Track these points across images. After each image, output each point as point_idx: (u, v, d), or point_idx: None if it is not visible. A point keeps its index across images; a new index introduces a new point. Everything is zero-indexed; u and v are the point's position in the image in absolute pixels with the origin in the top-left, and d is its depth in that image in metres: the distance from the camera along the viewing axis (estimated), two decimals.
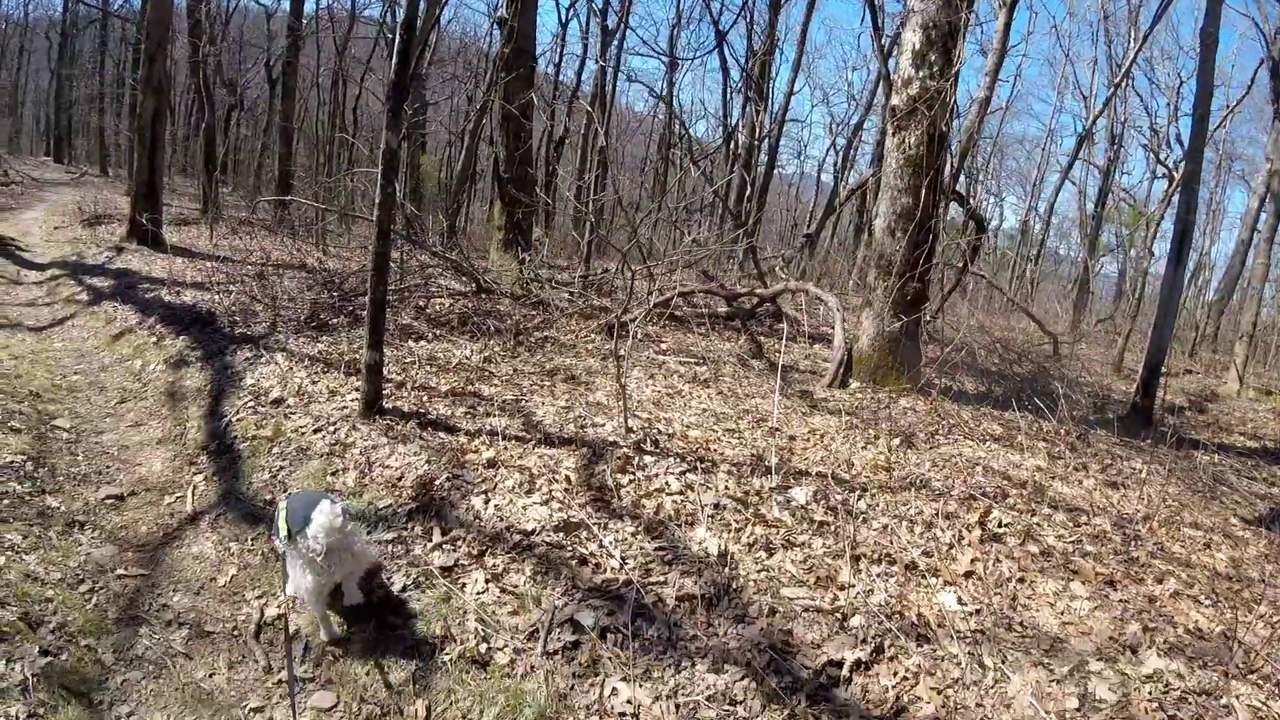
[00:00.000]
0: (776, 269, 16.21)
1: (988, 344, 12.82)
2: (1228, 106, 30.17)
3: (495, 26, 17.15)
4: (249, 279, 11.98)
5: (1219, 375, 20.58)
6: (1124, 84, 30.73)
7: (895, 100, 9.68)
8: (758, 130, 27.53)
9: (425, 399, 7.40)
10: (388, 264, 7.03)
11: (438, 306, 11.23)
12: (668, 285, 12.23)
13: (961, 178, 21.56)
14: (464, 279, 12.32)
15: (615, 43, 22.65)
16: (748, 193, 25.23)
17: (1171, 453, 9.17)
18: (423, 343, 9.48)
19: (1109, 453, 8.55)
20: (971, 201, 15.17)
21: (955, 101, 9.90)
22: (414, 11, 6.66)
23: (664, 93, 31.52)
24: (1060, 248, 46.74)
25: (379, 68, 31.15)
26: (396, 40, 6.58)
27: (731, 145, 29.45)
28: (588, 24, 31.21)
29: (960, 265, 12.71)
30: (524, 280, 12.91)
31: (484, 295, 11.80)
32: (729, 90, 31.03)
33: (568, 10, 39.91)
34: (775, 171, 33.39)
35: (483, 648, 4.40)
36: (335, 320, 9.98)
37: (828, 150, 48.63)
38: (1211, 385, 18.20)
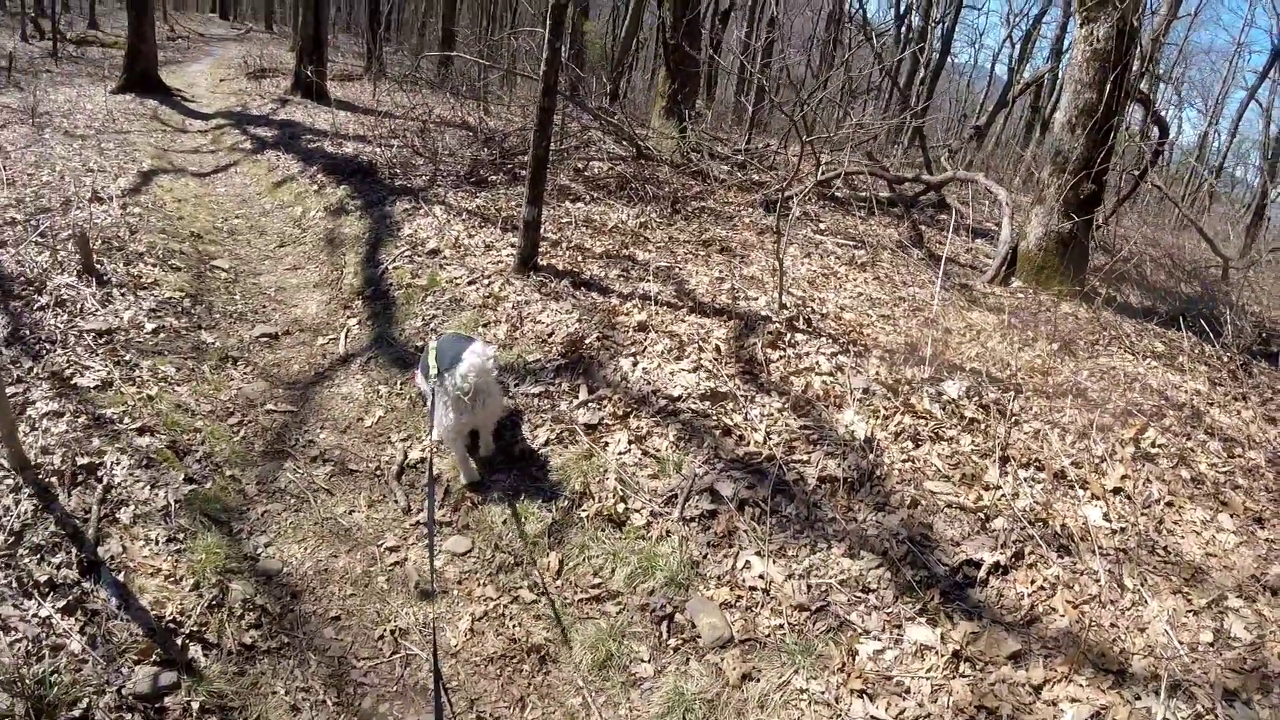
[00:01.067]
0: (942, 159, 15.63)
1: (1157, 257, 12.17)
2: None
3: None
4: (410, 133, 12.08)
5: None
6: None
7: None
8: (932, 13, 26.47)
9: (579, 259, 7.39)
10: (551, 120, 6.95)
11: (596, 169, 11.17)
12: (830, 165, 11.87)
13: (1145, 81, 20.41)
14: (624, 143, 12.19)
15: None
16: (919, 76, 24.38)
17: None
18: (579, 204, 9.45)
19: (1270, 386, 8.07)
20: (1155, 105, 14.29)
21: None
22: None
23: None
24: (1238, 170, 44.06)
25: None
26: None
27: (904, 28, 28.39)
28: None
29: (1138, 171, 12.06)
30: (684, 149, 12.72)
31: (643, 161, 11.65)
32: None
33: None
34: (948, 58, 32.21)
35: (620, 507, 4.42)
36: (494, 177, 10.01)
37: (1004, 42, 46.65)
38: None
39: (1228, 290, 12.19)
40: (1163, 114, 31.01)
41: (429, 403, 4.66)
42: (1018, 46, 31.96)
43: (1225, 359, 8.10)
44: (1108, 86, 8.86)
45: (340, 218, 8.92)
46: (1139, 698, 3.46)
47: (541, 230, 7.24)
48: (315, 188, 10.09)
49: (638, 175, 10.90)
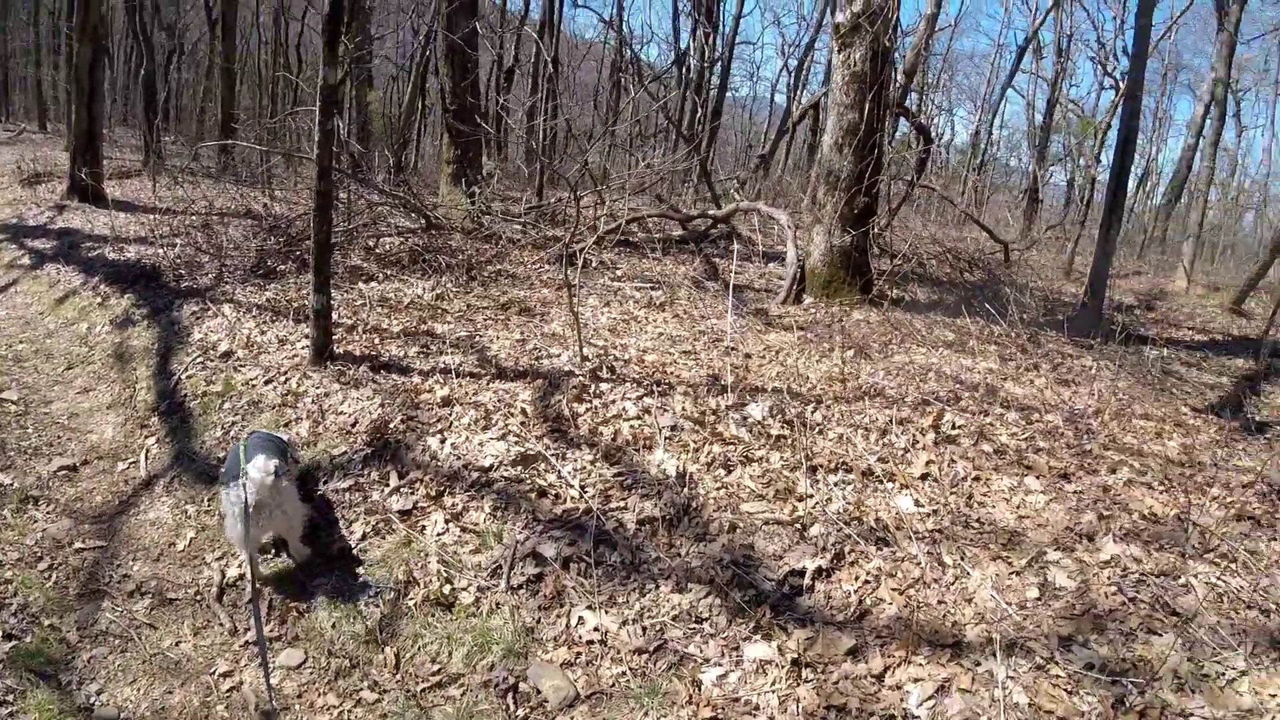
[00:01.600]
0: (731, 191, 16.14)
1: (938, 253, 12.86)
2: (1173, 17, 31.46)
3: None
4: (193, 230, 11.73)
5: (1168, 275, 20.84)
6: None
7: (840, 17, 9.62)
8: (708, 54, 27.29)
9: (377, 341, 7.32)
10: (330, 204, 6.88)
11: (387, 245, 11.07)
12: (620, 211, 12.12)
13: (911, 93, 21.54)
14: (413, 216, 12.12)
15: None
16: (699, 116, 25.07)
17: (1120, 349, 9.27)
18: (373, 284, 9.34)
19: (1059, 352, 8.66)
20: (918, 116, 15.14)
21: (898, 17, 9.85)
22: None
23: (613, 17, 31.16)
24: (1011, 159, 46.97)
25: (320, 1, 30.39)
26: None
27: (683, 69, 29.18)
28: None
29: (909, 178, 12.76)
30: (474, 214, 12.73)
31: (434, 231, 11.60)
32: (678, 14, 30.74)
33: None
34: (728, 94, 33.25)
35: (446, 589, 4.41)
36: (283, 266, 9.82)
37: (780, 71, 48.52)
38: (1160, 284, 18.42)
39: (1011, 272, 12.95)
40: (930, 123, 32.79)
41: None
42: (793, 75, 33.41)
43: (1013, 335, 8.64)
44: (867, 106, 9.36)
45: (127, 330, 8.58)
46: (979, 664, 3.69)
47: (335, 316, 7.12)
48: (99, 300, 9.69)
49: (430, 246, 10.84)
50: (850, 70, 9.48)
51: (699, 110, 25.36)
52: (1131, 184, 39.85)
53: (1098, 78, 36.69)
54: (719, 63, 27.95)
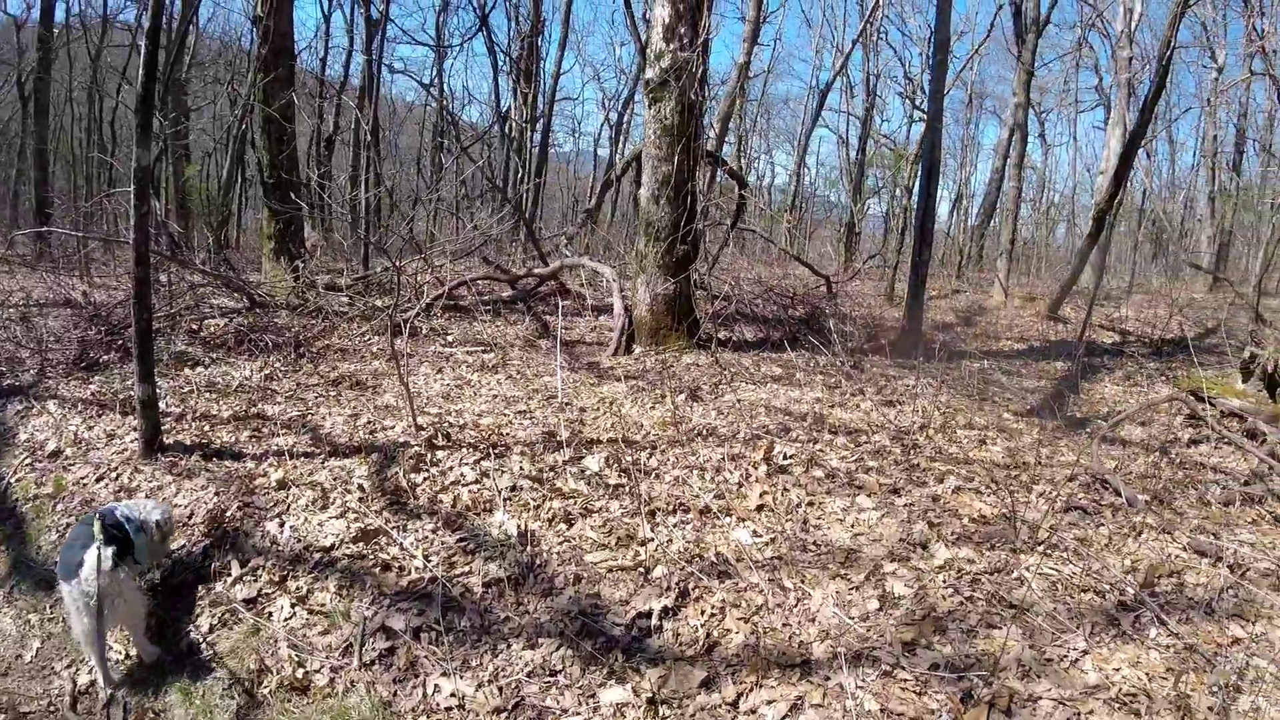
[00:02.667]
0: (560, 247, 16.29)
1: (762, 293, 13.28)
2: (973, 48, 33.44)
3: (252, 25, 16.59)
4: (11, 324, 11.34)
5: (985, 291, 21.89)
6: (871, 37, 33.83)
7: (649, 73, 9.93)
8: (528, 112, 27.59)
9: (207, 428, 7.21)
10: (149, 290, 6.72)
11: (212, 327, 10.85)
12: (447, 276, 12.20)
13: (727, 140, 22.22)
14: (236, 295, 11.93)
15: (380, 33, 22.21)
16: (521, 174, 25.31)
17: (942, 365, 9.79)
18: (199, 368, 9.17)
19: (883, 375, 9.11)
20: (729, 163, 15.65)
21: (705, 71, 10.20)
22: (158, 21, 6.45)
23: (433, 81, 31.28)
24: (831, 195, 48.75)
25: (137, 76, 29.32)
26: (143, 51, 6.26)
27: (505, 129, 29.42)
28: (351, 15, 30.19)
29: (728, 223, 13.23)
30: (299, 289, 12.61)
31: (259, 310, 11.42)
32: (498, 73, 31.07)
33: (330, 2, 38.81)
34: (552, 150, 33.58)
35: (300, 673, 4.38)
36: (106, 357, 9.55)
37: (602, 125, 49.17)
38: (979, 300, 19.34)
39: (835, 304, 13.46)
40: (745, 168, 33.78)
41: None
42: (614, 129, 34.08)
43: (838, 364, 9.04)
44: (678, 157, 9.67)
45: None
46: (828, 678, 3.87)
47: (162, 405, 7.00)
48: None
49: (256, 326, 10.67)
50: (661, 124, 9.78)
51: (520, 170, 25.61)
52: (946, 208, 42.06)
53: (906, 111, 38.35)
54: (540, 120, 28.24)
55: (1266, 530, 6.55)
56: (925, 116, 30.86)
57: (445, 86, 32.66)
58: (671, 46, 9.64)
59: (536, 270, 13.33)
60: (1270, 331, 12.05)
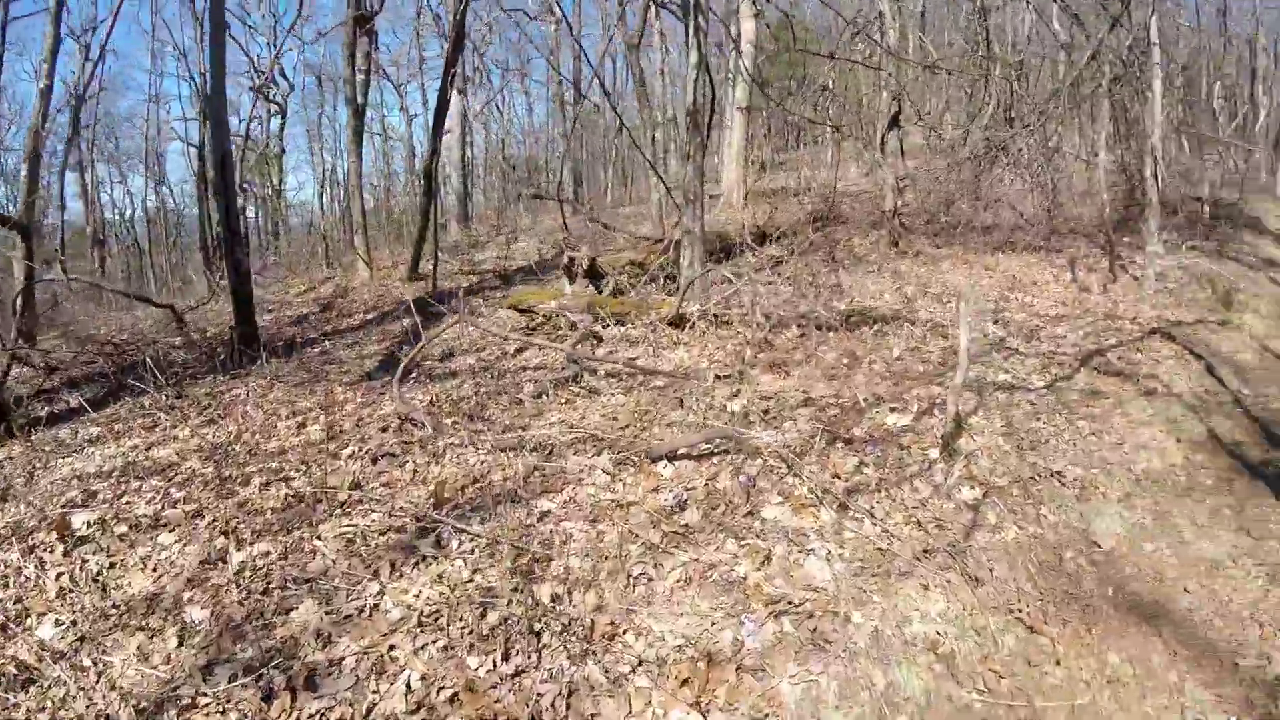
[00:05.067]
0: None
1: (96, 350, 12.25)
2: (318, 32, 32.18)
3: None
4: None
5: (353, 273, 21.81)
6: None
7: None
8: None
9: None
10: None
11: None
12: None
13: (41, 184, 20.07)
14: None
15: None
16: None
17: (278, 363, 9.60)
18: None
19: (210, 394, 8.62)
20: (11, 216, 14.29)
21: None
22: None
23: None
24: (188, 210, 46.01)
25: None
26: None
27: None
28: None
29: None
30: None
31: None
32: None
33: None
34: None
35: None
36: None
37: None
38: (346, 282, 19.13)
39: (186, 329, 12.66)
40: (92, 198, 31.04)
41: None
42: None
43: (162, 399, 8.28)
44: None
45: None
46: None
47: None
48: None
49: None
50: None
51: None
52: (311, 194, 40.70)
53: (259, 110, 35.47)
54: None
55: (578, 405, 7.09)
56: (283, 108, 30.59)
57: None
58: None
59: None
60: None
